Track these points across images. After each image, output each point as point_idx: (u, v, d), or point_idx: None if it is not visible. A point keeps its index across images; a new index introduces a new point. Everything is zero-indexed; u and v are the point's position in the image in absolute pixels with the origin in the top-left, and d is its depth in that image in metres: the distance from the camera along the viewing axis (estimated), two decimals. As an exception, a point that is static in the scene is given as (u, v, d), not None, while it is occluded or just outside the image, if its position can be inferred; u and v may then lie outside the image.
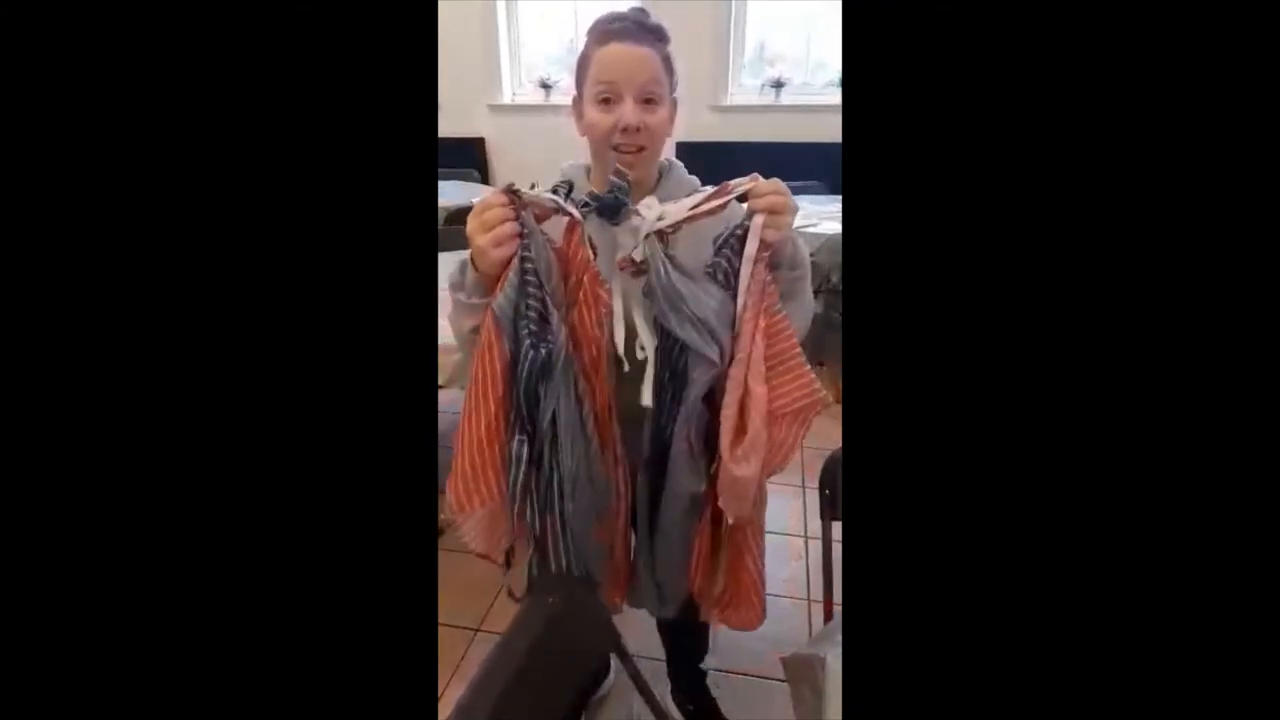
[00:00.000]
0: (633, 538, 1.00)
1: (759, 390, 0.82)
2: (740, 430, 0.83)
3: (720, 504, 0.88)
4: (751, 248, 0.80)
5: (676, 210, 0.81)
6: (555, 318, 0.79)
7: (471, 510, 0.84)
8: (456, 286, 0.86)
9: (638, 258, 0.81)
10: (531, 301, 0.79)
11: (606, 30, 0.87)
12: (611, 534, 0.96)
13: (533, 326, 0.79)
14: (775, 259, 0.85)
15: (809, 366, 0.85)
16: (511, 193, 0.77)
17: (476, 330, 0.83)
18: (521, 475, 0.82)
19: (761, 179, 0.81)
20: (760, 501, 0.94)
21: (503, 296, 0.78)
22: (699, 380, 0.83)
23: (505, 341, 0.79)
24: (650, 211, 0.80)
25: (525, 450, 0.82)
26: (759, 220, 0.80)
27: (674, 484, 0.90)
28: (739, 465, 0.83)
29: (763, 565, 0.98)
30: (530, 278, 0.79)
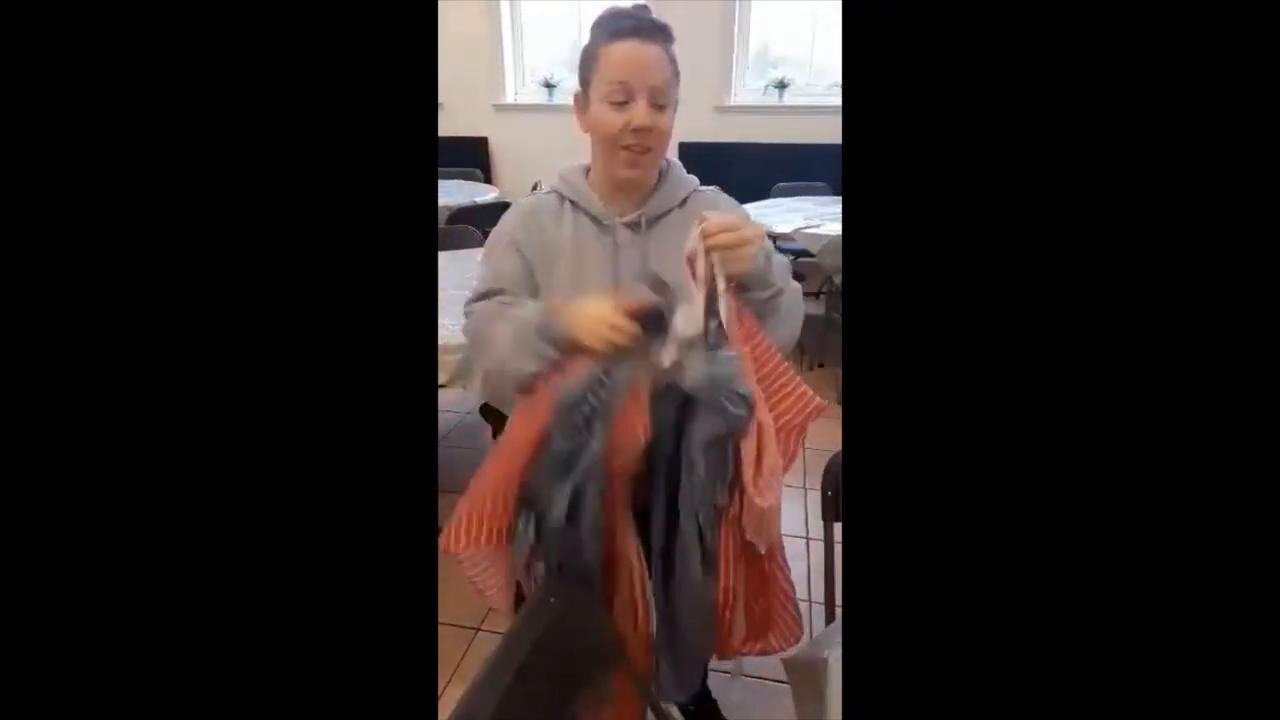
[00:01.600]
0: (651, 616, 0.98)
1: (765, 419, 0.82)
2: (759, 462, 0.83)
3: (749, 538, 0.88)
4: (720, 285, 0.80)
5: (694, 318, 0.80)
6: (599, 427, 0.79)
7: (460, 550, 0.84)
8: (543, 332, 0.82)
9: (667, 363, 0.80)
10: (591, 402, 0.79)
11: (617, 27, 0.85)
12: (626, 619, 0.95)
13: (578, 422, 0.79)
14: (744, 282, 0.84)
15: (798, 377, 0.85)
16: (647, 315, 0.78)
17: (533, 376, 0.82)
18: (525, 550, 0.84)
19: (709, 218, 0.79)
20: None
21: (576, 382, 0.79)
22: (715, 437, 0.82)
23: (551, 421, 0.80)
24: (687, 326, 0.80)
25: (531, 531, 0.83)
26: (715, 260, 0.79)
27: (688, 572, 0.89)
28: (763, 497, 0.83)
29: (791, 580, 0.97)
30: (605, 380, 0.79)
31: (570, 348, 0.80)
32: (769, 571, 0.95)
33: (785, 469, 0.86)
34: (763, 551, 0.91)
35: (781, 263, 0.89)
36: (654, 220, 0.93)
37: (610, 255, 0.90)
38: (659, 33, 0.86)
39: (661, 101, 0.86)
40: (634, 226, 0.92)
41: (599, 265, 0.91)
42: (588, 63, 0.88)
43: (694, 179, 0.99)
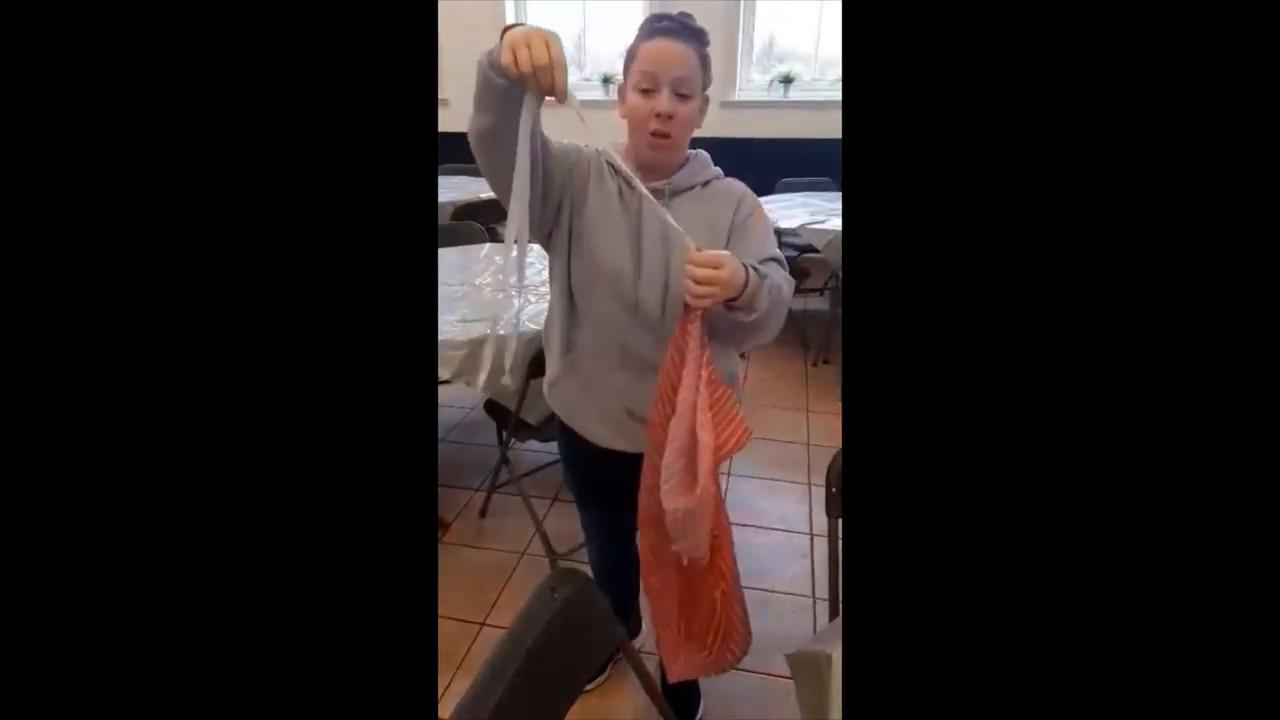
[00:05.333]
0: None
1: (706, 439, 0.88)
2: (690, 476, 0.90)
3: (676, 548, 0.96)
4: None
5: None
6: None
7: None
8: (483, 61, 0.94)
9: None
10: None
11: (654, 28, 0.99)
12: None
13: None
14: (731, 305, 0.91)
15: (738, 407, 0.93)
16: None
17: (493, 132, 0.92)
18: None
19: (703, 254, 0.87)
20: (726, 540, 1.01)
21: None
22: None
23: None
24: None
25: None
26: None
27: None
28: (670, 500, 0.90)
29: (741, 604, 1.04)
30: None
31: (501, 68, 0.89)
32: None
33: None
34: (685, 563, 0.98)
35: (765, 294, 0.94)
36: (676, 193, 1.05)
37: (635, 214, 1.03)
38: (691, 34, 0.98)
39: (684, 92, 0.97)
40: (658, 194, 1.02)
41: (623, 219, 1.04)
42: (628, 57, 1.01)
43: (718, 170, 1.09)
